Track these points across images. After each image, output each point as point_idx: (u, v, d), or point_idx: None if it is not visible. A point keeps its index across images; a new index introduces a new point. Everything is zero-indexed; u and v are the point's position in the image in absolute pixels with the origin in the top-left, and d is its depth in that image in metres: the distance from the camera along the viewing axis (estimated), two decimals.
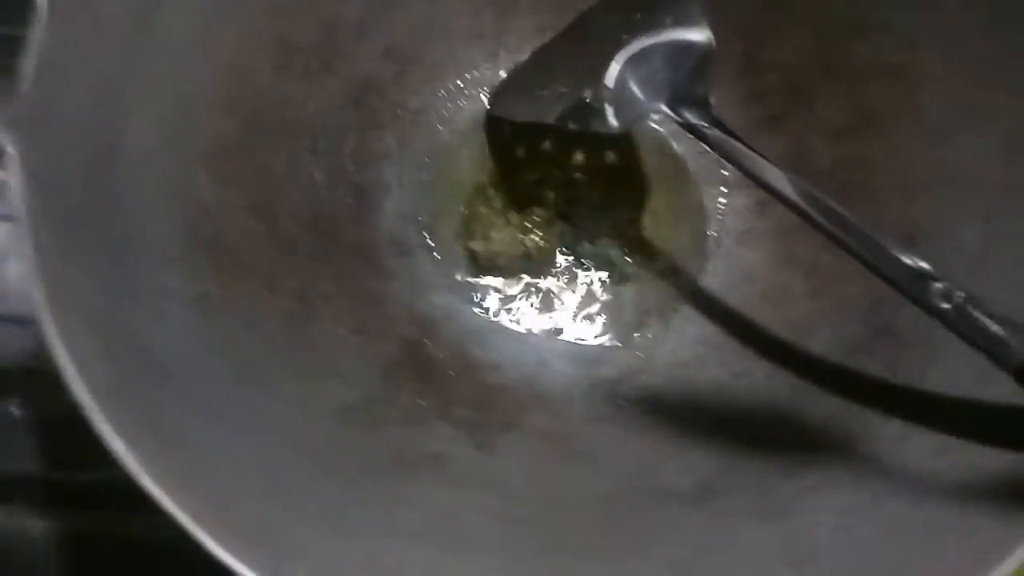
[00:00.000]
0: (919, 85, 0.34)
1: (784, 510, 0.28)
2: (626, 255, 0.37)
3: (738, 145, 0.30)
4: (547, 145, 0.39)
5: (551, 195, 0.37)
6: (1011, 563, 0.23)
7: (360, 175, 0.36)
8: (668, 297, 0.36)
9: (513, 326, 0.35)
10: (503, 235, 0.36)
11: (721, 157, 0.31)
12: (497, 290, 0.36)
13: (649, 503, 0.29)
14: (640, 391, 0.34)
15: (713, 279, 0.37)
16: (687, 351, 0.35)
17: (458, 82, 0.39)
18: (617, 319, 0.36)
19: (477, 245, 0.36)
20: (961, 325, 0.26)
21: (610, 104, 0.32)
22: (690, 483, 0.30)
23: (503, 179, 0.38)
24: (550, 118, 0.35)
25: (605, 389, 0.34)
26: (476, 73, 0.39)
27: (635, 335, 0.36)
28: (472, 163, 0.38)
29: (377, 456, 0.29)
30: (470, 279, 0.36)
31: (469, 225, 0.37)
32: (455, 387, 0.33)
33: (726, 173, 0.38)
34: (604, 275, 0.37)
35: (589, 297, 0.36)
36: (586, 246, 0.37)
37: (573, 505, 0.29)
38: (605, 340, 0.36)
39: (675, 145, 0.39)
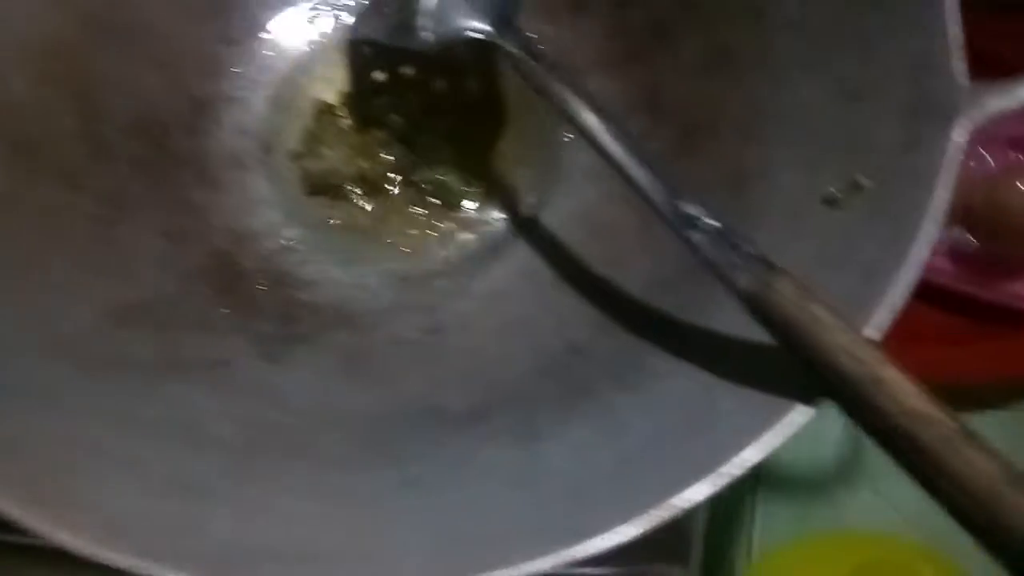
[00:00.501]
0: (775, 26, 0.33)
1: (534, 436, 0.27)
2: (465, 184, 0.36)
3: (536, 67, 0.30)
4: (408, 70, 0.38)
5: (397, 119, 0.37)
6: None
7: (201, 86, 0.36)
8: (501, 228, 0.36)
9: (337, 246, 0.35)
10: (338, 154, 0.36)
11: (524, 79, 0.30)
12: (326, 209, 0.36)
13: (419, 423, 0.29)
14: (452, 317, 0.34)
15: (552, 212, 0.36)
16: (508, 282, 0.34)
17: (318, 1, 0.38)
18: (445, 246, 0.35)
19: (310, 163, 0.36)
20: (705, 252, 0.25)
21: (427, 20, 0.32)
22: (465, 407, 0.30)
23: (354, 101, 0.37)
24: (381, 35, 0.34)
25: (419, 313, 0.34)
26: None
27: (460, 263, 0.35)
28: (325, 83, 0.38)
29: (146, 356, 0.29)
30: (301, 197, 0.36)
31: (308, 144, 0.36)
32: (262, 301, 0.33)
33: None
34: (438, 202, 0.36)
35: (418, 222, 0.36)
36: (425, 172, 0.36)
37: (343, 421, 0.29)
38: (429, 265, 0.35)
39: None
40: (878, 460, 0.52)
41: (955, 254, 0.48)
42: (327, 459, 0.27)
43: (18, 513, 0.21)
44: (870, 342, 0.22)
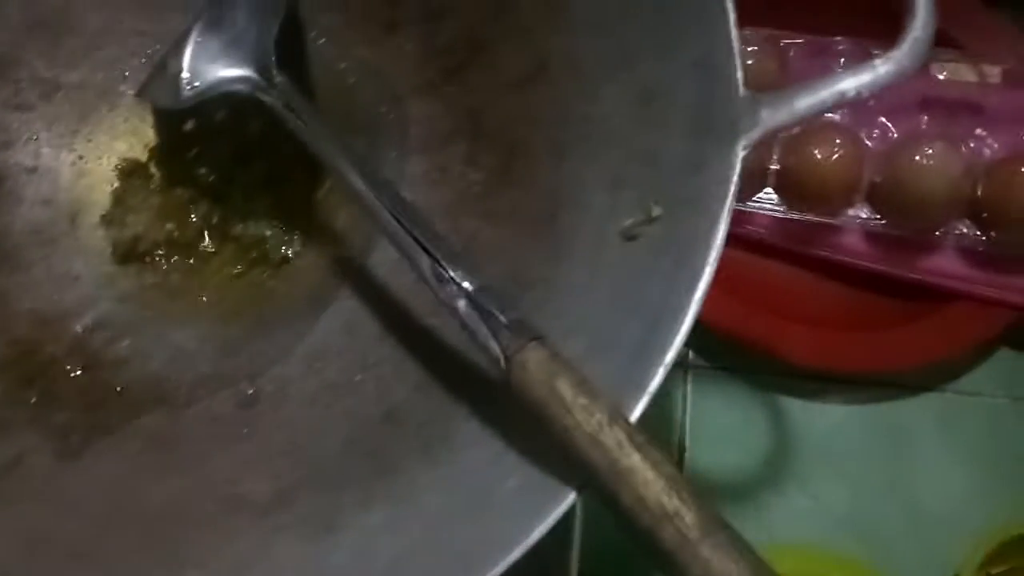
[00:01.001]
0: (578, 29, 0.30)
1: (332, 525, 0.25)
2: (285, 236, 0.34)
3: (297, 122, 0.27)
4: (221, 116, 0.35)
5: (206, 171, 0.34)
6: None
7: None
8: (326, 281, 0.33)
9: (151, 317, 0.33)
10: (144, 218, 0.33)
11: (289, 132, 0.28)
12: (139, 278, 0.33)
13: (216, 513, 0.27)
14: (270, 384, 0.31)
15: (378, 257, 0.33)
16: (331, 340, 0.32)
17: (120, 52, 0.35)
18: (265, 305, 0.33)
19: (116, 231, 0.33)
20: (464, 318, 0.23)
21: (183, 75, 0.29)
22: (270, 491, 0.27)
23: (162, 156, 0.35)
24: (153, 96, 0.32)
25: (236, 384, 0.31)
26: (140, 42, 0.36)
27: (283, 321, 0.33)
28: (133, 139, 0.35)
29: None
30: (112, 267, 0.33)
31: (115, 209, 0.34)
32: (66, 389, 0.31)
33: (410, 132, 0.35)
34: (255, 257, 0.33)
35: (238, 281, 0.33)
36: (239, 227, 0.34)
37: (134, 520, 0.27)
38: (249, 327, 0.33)
39: (361, 105, 0.35)
40: (810, 461, 0.50)
41: (867, 233, 0.45)
42: (110, 569, 0.25)
43: None
44: (618, 423, 0.19)
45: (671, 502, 0.18)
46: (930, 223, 0.43)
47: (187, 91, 0.29)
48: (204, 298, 0.33)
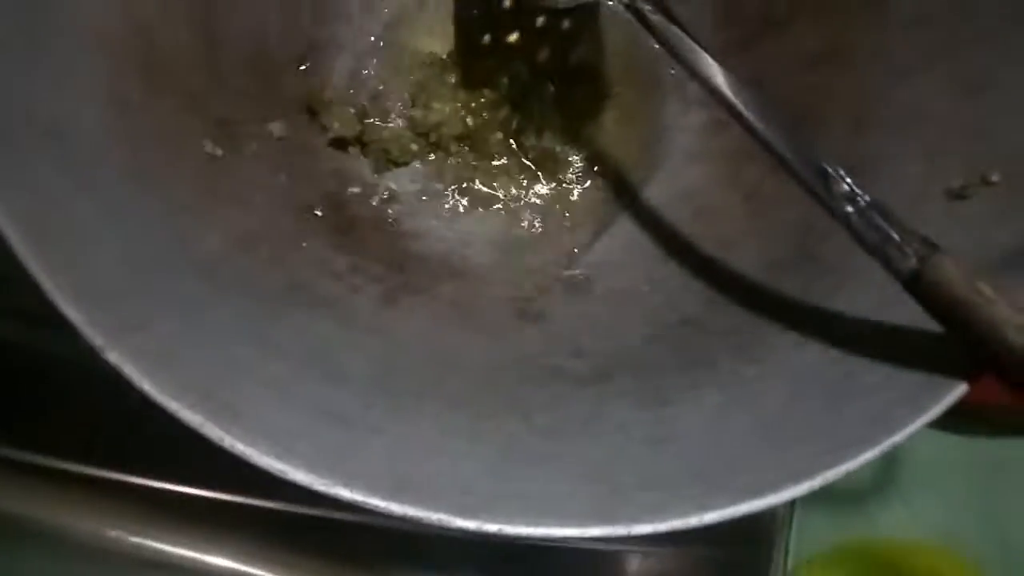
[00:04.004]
0: (892, 20, 0.34)
1: (661, 400, 0.27)
2: (571, 154, 0.36)
3: (676, 31, 0.30)
4: (514, 37, 0.38)
5: (505, 81, 0.37)
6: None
7: (315, 29, 0.36)
8: (606, 201, 0.36)
9: (443, 203, 0.35)
10: (446, 108, 0.36)
11: (660, 44, 0.31)
12: (431, 165, 0.36)
13: (540, 377, 0.29)
14: (559, 284, 0.34)
15: (655, 190, 0.36)
16: (612, 255, 0.34)
17: None
18: (550, 214, 0.36)
19: (417, 113, 0.36)
20: (861, 229, 0.25)
21: None
22: (587, 367, 0.30)
23: (462, 59, 0.37)
24: None
25: (525, 278, 0.34)
26: None
27: (565, 234, 0.35)
28: (433, 38, 0.37)
29: (267, 282, 0.28)
30: (408, 148, 0.36)
31: (416, 95, 0.36)
32: (373, 246, 0.33)
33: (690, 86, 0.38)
34: (545, 169, 0.36)
35: (525, 188, 0.36)
36: (531, 138, 0.36)
37: (461, 367, 0.29)
38: (534, 232, 0.35)
39: (644, 50, 0.38)
40: (909, 476, 0.53)
41: None
42: (456, 401, 0.27)
43: (197, 420, 0.21)
44: None
45: None
46: None
47: None
48: (489, 195, 0.36)
